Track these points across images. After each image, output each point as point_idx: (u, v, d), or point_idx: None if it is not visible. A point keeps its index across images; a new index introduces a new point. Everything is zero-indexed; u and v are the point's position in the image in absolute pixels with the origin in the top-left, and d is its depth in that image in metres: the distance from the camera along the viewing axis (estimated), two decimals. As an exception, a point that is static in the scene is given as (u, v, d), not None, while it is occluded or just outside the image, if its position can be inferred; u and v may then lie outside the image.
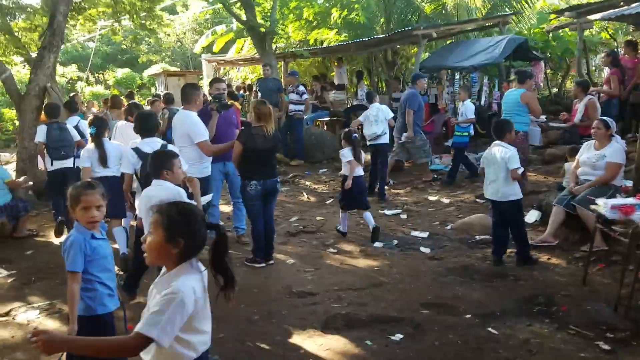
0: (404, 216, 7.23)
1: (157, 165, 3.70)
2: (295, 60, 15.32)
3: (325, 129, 13.01)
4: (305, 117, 11.58)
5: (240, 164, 5.42)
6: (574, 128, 7.53)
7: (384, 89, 16.39)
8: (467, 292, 4.58)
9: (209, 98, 6.47)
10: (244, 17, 12.52)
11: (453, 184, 8.65)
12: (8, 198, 6.64)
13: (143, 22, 13.24)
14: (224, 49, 24.31)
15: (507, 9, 13.54)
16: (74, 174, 6.59)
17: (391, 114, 8.51)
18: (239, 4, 12.63)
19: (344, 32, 15.41)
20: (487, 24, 11.90)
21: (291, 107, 11.13)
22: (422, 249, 5.85)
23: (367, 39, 12.30)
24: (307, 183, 9.78)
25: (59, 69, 26.05)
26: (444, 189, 8.52)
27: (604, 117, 5.59)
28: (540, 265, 5.13)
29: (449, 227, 6.58)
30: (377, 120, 8.23)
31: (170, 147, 4.78)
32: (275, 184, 5.50)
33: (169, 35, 31.76)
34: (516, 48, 9.81)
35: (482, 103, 10.08)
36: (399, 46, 13.91)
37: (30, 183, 7.16)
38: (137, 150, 4.70)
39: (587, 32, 11.98)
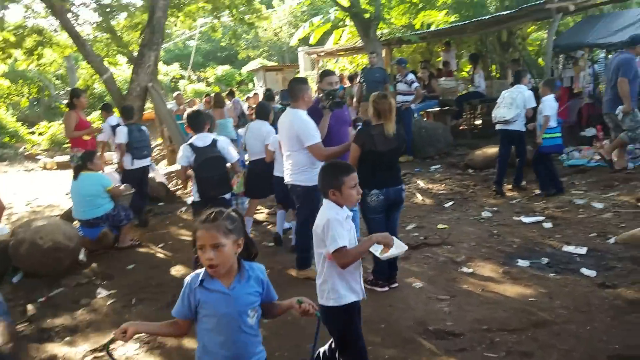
0: (547, 225, 6.02)
1: (324, 182, 2.90)
2: (400, 46, 14.26)
3: (432, 120, 11.89)
4: (413, 108, 10.54)
5: (357, 170, 4.58)
6: None
7: (498, 75, 14.89)
8: None
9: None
10: (345, 4, 11.69)
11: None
12: (110, 207, 6.30)
13: (242, 16, 12.85)
14: (321, 41, 23.70)
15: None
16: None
17: (533, 104, 7.29)
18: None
19: (451, 13, 14.10)
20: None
21: (399, 98, 10.15)
22: (585, 271, 4.67)
23: (488, 17, 10.95)
24: (420, 182, 8.76)
25: (162, 67, 26.86)
26: (591, 189, 7.16)
27: None
28: None
29: (611, 240, 5.31)
30: (512, 103, 7.16)
31: (220, 140, 5.22)
32: (400, 192, 4.60)
33: (265, 30, 31.81)
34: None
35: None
36: (521, 25, 12.42)
37: (133, 190, 6.82)
38: (191, 145, 5.10)
39: None
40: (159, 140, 16.34)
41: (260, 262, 2.35)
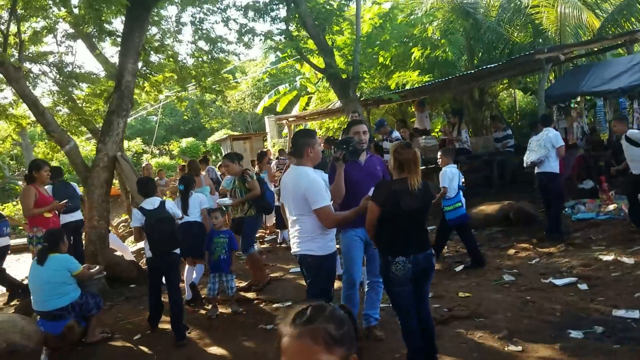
0: (583, 286, 5.36)
1: None
2: (378, 106, 14.00)
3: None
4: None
5: (377, 233, 3.87)
6: None
7: (470, 131, 14.75)
8: None
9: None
10: (321, 65, 11.38)
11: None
12: (77, 294, 5.32)
13: (212, 86, 12.32)
14: (285, 110, 23.63)
15: (624, 27, 11.71)
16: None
17: (561, 142, 7.24)
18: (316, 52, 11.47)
19: (424, 73, 14.03)
20: (615, 43, 10.14)
21: (386, 157, 9.63)
22: (653, 339, 3.99)
23: (475, 70, 10.70)
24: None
25: (124, 143, 26.06)
26: (612, 244, 6.61)
27: None
28: None
29: (664, 300, 4.69)
30: (538, 145, 7.23)
31: (168, 201, 5.92)
32: (430, 258, 3.85)
33: (229, 102, 31.66)
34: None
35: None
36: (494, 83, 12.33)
37: (104, 273, 5.86)
38: (141, 208, 5.48)
39: None
40: (124, 217, 15.30)
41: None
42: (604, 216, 7.66)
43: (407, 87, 13.29)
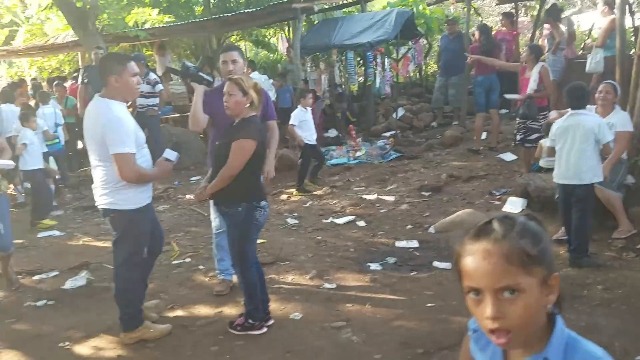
0: (361, 223, 5.84)
1: None
2: (118, 44, 12.51)
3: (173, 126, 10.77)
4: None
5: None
6: (530, 100, 6.68)
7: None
8: (574, 318, 3.40)
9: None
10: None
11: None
12: None
13: None
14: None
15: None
16: None
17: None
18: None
19: (164, 12, 13.05)
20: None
21: (140, 101, 8.70)
22: (438, 264, 4.56)
23: (230, 14, 10.30)
24: (189, 196, 7.66)
25: None
26: (370, 184, 7.34)
27: (609, 81, 5.06)
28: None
29: (431, 230, 5.42)
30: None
31: None
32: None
33: None
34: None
35: (378, 85, 9.14)
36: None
37: None
38: None
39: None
40: None
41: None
42: (355, 161, 8.48)
43: (147, 25, 12.17)
